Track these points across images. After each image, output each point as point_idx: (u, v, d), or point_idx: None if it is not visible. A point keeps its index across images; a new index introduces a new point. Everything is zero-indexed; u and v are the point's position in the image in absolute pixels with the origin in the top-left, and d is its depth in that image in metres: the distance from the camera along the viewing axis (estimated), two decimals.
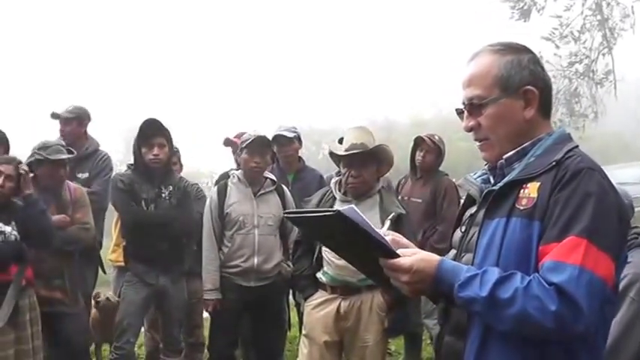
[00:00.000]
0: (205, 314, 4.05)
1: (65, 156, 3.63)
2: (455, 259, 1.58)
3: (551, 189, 1.35)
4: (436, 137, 4.52)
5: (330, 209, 1.39)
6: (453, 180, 4.48)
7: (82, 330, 3.73)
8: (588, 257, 1.26)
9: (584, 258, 1.25)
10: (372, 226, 1.39)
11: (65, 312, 3.52)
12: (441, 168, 4.63)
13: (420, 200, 4.38)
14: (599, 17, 9.64)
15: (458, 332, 1.50)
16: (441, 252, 4.69)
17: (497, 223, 1.41)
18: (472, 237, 1.52)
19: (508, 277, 1.30)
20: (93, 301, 3.89)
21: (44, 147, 3.58)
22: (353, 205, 1.41)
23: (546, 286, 1.25)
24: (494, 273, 1.31)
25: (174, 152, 3.97)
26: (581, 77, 10.07)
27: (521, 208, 1.37)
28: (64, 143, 3.79)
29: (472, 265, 1.42)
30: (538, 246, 1.33)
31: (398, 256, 1.40)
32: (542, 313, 1.24)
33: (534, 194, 1.37)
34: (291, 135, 4.33)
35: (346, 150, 3.08)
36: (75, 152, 3.82)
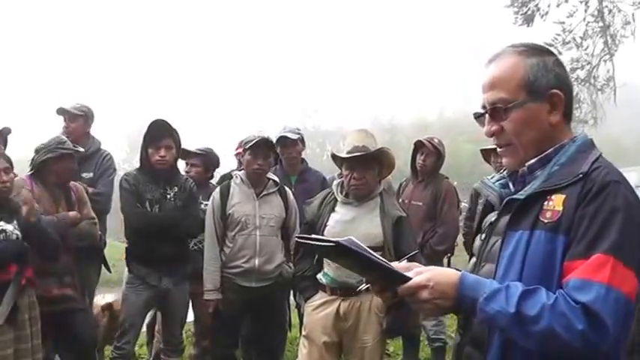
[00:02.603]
0: None
1: (79, 148, 3.74)
2: (475, 267, 1.54)
3: (577, 203, 1.30)
4: (436, 140, 4.55)
5: (331, 240, 1.35)
6: (455, 183, 4.51)
7: (92, 324, 3.80)
8: (615, 275, 1.23)
9: (611, 276, 1.23)
10: (373, 253, 1.37)
11: (76, 307, 3.55)
12: (445, 170, 4.66)
13: (420, 203, 4.41)
14: (600, 24, 9.64)
15: (477, 342, 1.45)
16: (441, 253, 4.67)
17: (520, 235, 1.36)
18: (493, 246, 1.47)
19: (533, 292, 1.26)
20: (105, 312, 3.94)
21: (60, 142, 3.63)
22: (352, 237, 1.38)
23: (573, 304, 1.22)
24: (517, 288, 1.27)
25: None
26: (583, 83, 10.07)
27: (546, 221, 1.33)
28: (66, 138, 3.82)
29: (494, 276, 1.38)
30: (562, 261, 1.29)
31: (409, 278, 1.35)
32: (569, 332, 1.21)
33: (559, 207, 1.32)
34: (294, 136, 4.35)
35: (348, 152, 3.09)
36: (82, 150, 3.86)
